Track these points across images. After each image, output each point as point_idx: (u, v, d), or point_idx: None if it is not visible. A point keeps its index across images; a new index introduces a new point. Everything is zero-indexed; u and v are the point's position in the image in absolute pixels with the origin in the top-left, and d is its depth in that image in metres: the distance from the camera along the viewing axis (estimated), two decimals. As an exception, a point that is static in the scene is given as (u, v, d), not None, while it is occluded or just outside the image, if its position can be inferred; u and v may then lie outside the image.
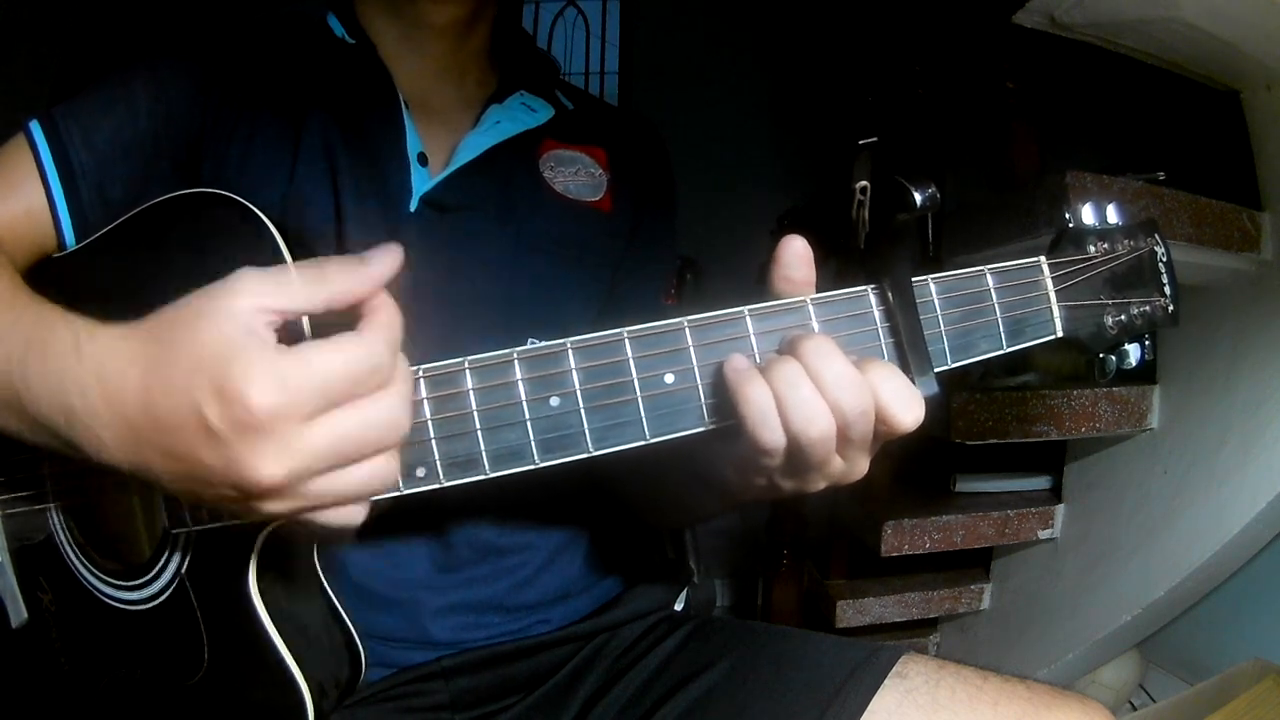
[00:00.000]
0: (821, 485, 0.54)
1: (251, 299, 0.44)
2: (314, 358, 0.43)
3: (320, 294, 0.46)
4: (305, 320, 0.49)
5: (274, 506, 0.45)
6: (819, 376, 0.49)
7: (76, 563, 0.64)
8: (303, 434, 0.43)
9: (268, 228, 0.58)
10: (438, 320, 0.71)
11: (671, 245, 0.89)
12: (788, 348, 0.51)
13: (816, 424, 0.49)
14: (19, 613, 0.67)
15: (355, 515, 0.47)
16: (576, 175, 0.82)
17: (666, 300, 0.86)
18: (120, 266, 0.64)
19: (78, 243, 0.69)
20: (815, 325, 0.53)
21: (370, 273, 0.47)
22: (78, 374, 0.47)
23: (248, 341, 0.43)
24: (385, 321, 0.47)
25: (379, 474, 0.46)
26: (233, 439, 0.43)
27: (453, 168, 0.75)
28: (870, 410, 0.50)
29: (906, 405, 0.50)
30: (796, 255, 0.53)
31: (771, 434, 0.49)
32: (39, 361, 0.49)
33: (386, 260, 0.48)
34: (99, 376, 0.46)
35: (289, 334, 0.46)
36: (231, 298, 0.44)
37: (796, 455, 0.50)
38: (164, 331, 0.45)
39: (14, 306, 0.53)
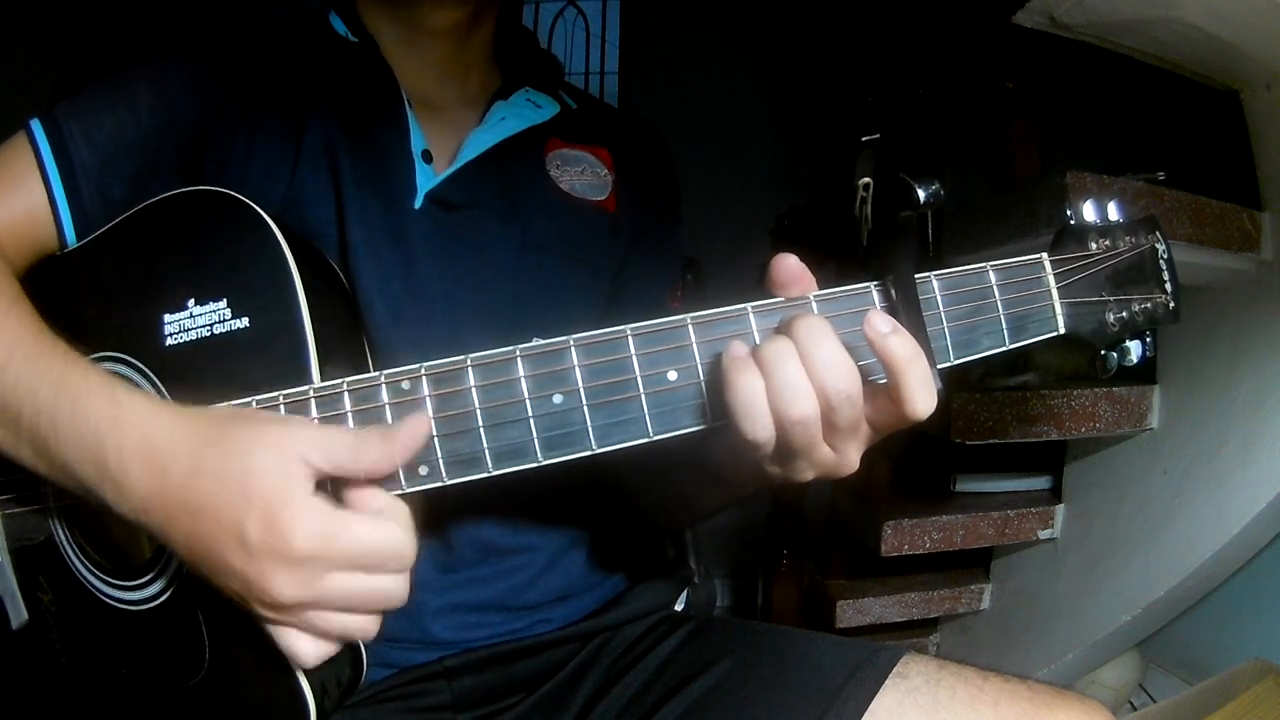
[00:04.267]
0: (810, 475, 0.54)
1: (303, 448, 0.49)
2: (355, 527, 0.49)
3: (358, 465, 0.51)
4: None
5: (267, 614, 0.50)
6: (808, 356, 0.49)
7: (77, 563, 0.64)
8: (324, 578, 0.49)
9: (268, 225, 0.58)
10: (441, 318, 0.72)
11: (677, 247, 0.89)
12: (783, 326, 0.51)
13: (799, 405, 0.49)
14: (19, 613, 0.66)
15: (314, 654, 0.52)
16: (582, 174, 0.82)
17: (673, 302, 0.86)
18: (120, 265, 0.64)
19: (79, 242, 0.69)
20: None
21: (403, 446, 0.51)
22: (115, 437, 0.52)
23: (297, 486, 0.49)
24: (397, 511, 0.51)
25: (363, 628, 0.52)
26: (263, 559, 0.48)
27: (458, 164, 0.75)
28: (857, 396, 0.50)
29: (923, 391, 0.50)
30: (791, 273, 0.53)
31: (754, 425, 0.50)
32: (70, 416, 0.53)
33: (418, 428, 0.52)
34: (140, 447, 0.51)
35: None
36: (288, 437, 0.50)
37: (781, 438, 0.50)
38: (219, 437, 0.51)
39: (40, 354, 0.56)
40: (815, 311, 0.53)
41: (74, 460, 0.53)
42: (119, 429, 0.52)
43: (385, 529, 0.50)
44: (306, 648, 0.51)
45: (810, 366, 0.49)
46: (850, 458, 0.53)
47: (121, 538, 0.62)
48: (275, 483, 0.48)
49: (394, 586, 0.51)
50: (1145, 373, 1.48)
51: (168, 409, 0.53)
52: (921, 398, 0.50)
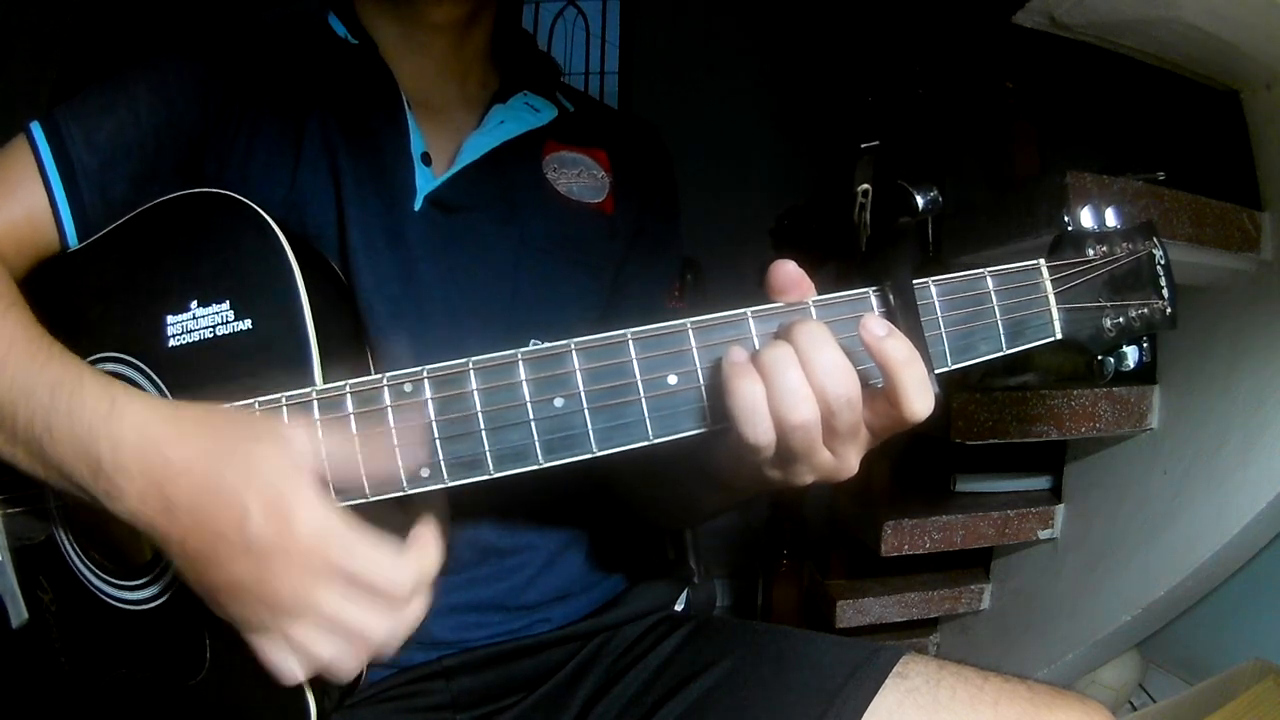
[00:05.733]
0: (810, 479, 0.54)
1: (305, 443, 0.50)
2: (354, 540, 0.49)
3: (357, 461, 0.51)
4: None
5: (254, 615, 0.50)
6: (808, 362, 0.49)
7: (77, 562, 0.64)
8: (317, 584, 0.48)
9: (271, 227, 0.59)
10: (440, 320, 0.72)
11: (676, 248, 0.89)
12: (783, 332, 0.51)
13: (799, 410, 0.49)
14: (19, 612, 0.67)
15: (293, 674, 0.51)
16: (579, 177, 0.82)
17: (672, 303, 0.86)
18: (123, 266, 0.65)
19: (80, 243, 0.69)
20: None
21: (405, 440, 0.52)
22: (110, 429, 0.51)
23: (300, 474, 0.49)
24: (424, 559, 0.52)
25: (340, 663, 0.51)
26: (265, 550, 0.48)
27: (457, 167, 0.76)
28: (857, 400, 0.50)
29: (920, 393, 0.50)
30: (790, 279, 0.54)
31: (755, 430, 0.50)
32: (66, 412, 0.53)
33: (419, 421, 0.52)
34: (136, 440, 0.51)
35: None
36: (289, 432, 0.50)
37: (781, 443, 0.51)
38: (221, 426, 0.51)
39: (36, 355, 0.56)
40: (814, 317, 0.53)
41: (68, 460, 0.53)
42: (113, 424, 0.51)
43: (385, 557, 0.49)
44: (289, 664, 0.51)
45: (810, 372, 0.49)
46: (850, 461, 0.53)
47: (122, 538, 0.63)
48: (281, 471, 0.48)
49: (376, 624, 0.50)
50: (1145, 373, 1.48)
51: (165, 403, 0.53)
52: (918, 400, 0.50)
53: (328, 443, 0.51)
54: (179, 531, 0.50)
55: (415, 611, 0.52)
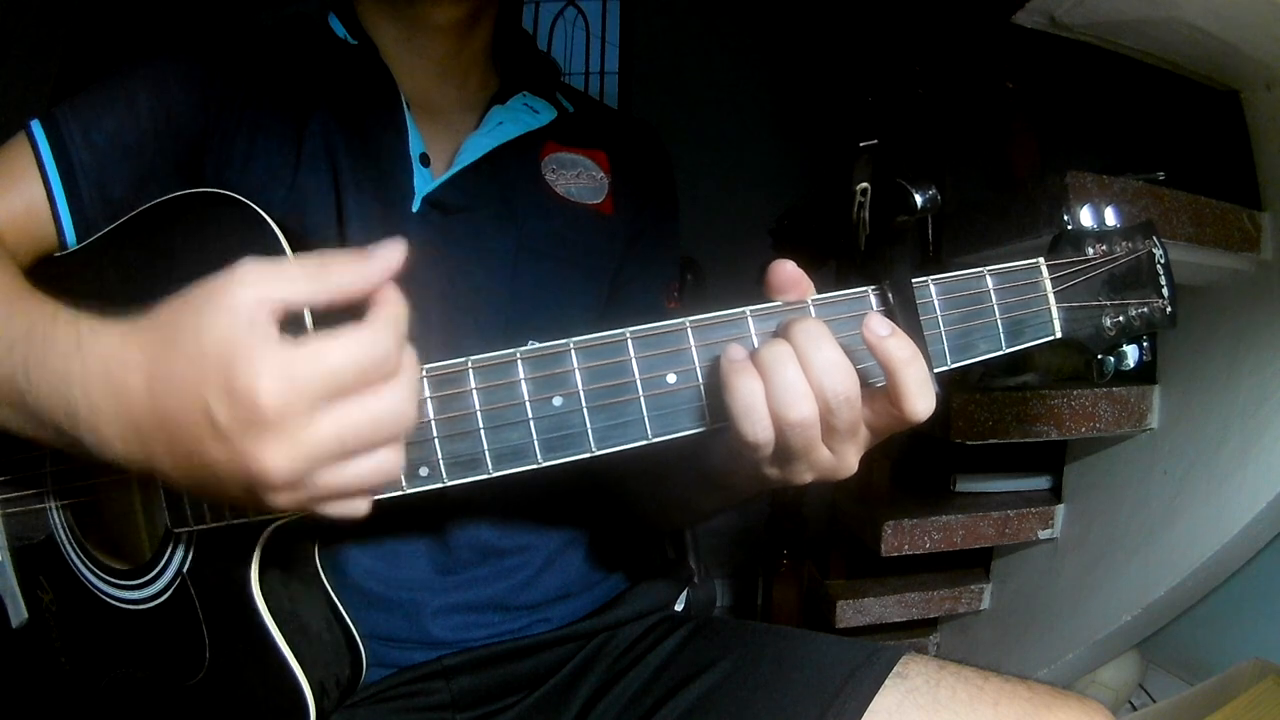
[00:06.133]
0: (809, 478, 0.54)
1: (253, 289, 0.44)
2: (320, 350, 0.43)
3: (324, 286, 0.45)
4: (307, 313, 0.49)
5: (282, 499, 0.45)
6: (806, 359, 0.49)
7: (77, 562, 0.64)
8: (309, 427, 0.43)
9: (271, 227, 0.58)
10: (439, 321, 0.72)
11: (674, 249, 0.89)
12: (782, 330, 0.51)
13: (797, 407, 0.49)
14: (19, 612, 0.67)
15: (359, 507, 0.47)
16: (578, 178, 0.82)
17: (670, 304, 0.86)
18: (122, 266, 0.65)
19: (79, 242, 0.69)
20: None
21: (374, 267, 0.47)
22: (80, 372, 0.47)
23: (251, 336, 0.43)
24: (392, 314, 0.47)
25: (384, 467, 0.46)
26: (241, 436, 0.43)
27: (455, 169, 0.76)
28: (856, 398, 0.50)
29: (922, 392, 0.50)
30: (789, 278, 0.54)
31: (753, 427, 0.50)
32: (40, 359, 0.49)
33: (391, 254, 0.47)
34: (103, 375, 0.47)
35: (291, 326, 0.45)
36: (232, 290, 0.44)
37: (780, 440, 0.50)
38: (166, 328, 0.45)
39: (12, 300, 0.54)
40: (813, 315, 0.53)
41: (48, 409, 0.49)
42: (82, 367, 0.47)
43: (356, 338, 0.44)
44: (349, 509, 0.47)
45: (808, 369, 0.49)
46: (848, 460, 0.53)
47: (123, 536, 0.63)
48: (224, 346, 0.43)
49: (392, 403, 0.45)
50: (1145, 373, 1.48)
51: (123, 324, 0.48)
52: (920, 399, 0.50)
53: (286, 268, 0.46)
54: (163, 454, 0.46)
55: (412, 370, 0.48)
